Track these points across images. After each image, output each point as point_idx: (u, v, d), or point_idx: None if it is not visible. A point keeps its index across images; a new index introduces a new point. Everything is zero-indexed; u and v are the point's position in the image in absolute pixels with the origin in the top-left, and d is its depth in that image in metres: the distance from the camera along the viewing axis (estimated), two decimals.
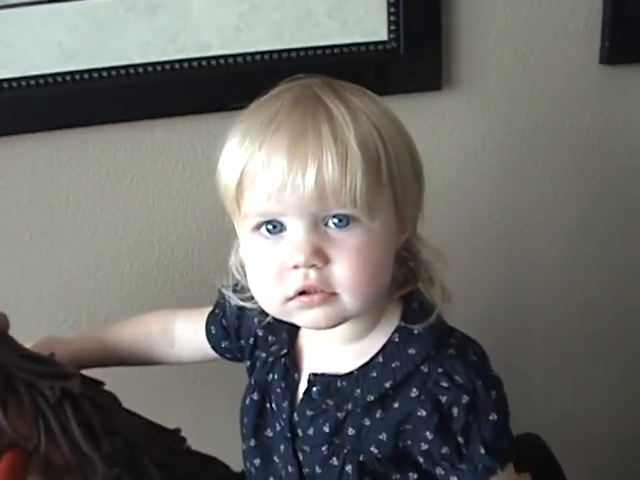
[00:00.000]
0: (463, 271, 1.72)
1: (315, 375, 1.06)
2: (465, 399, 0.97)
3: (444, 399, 0.98)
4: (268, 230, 0.95)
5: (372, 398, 1.01)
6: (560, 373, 1.95)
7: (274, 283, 0.96)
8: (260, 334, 1.15)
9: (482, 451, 0.98)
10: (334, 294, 0.95)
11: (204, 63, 1.53)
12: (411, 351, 1.01)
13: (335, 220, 0.93)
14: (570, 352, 1.95)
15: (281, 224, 0.95)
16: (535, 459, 1.54)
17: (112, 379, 1.18)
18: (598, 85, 1.74)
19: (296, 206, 0.91)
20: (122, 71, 1.51)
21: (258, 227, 0.96)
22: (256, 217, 0.96)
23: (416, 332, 1.01)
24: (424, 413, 0.98)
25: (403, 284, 1.05)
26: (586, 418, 2.01)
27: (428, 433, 0.98)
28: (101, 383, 1.17)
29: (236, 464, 1.22)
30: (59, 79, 1.49)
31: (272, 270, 0.95)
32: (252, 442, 1.13)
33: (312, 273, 0.93)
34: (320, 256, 0.93)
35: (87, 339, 1.29)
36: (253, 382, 1.15)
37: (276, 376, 1.11)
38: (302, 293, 0.95)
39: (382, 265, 0.97)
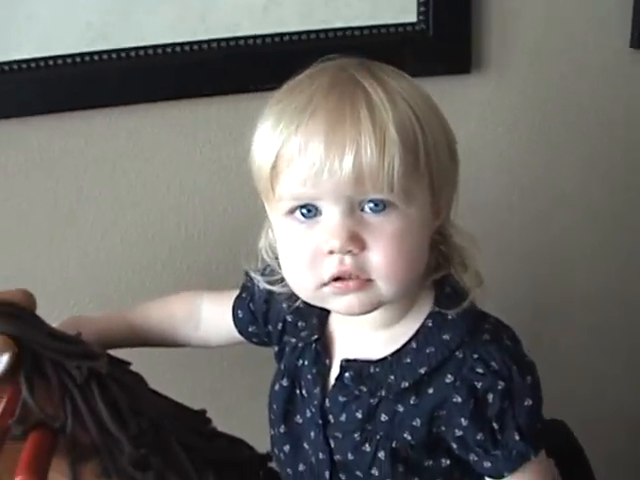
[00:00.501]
0: (492, 257, 1.73)
1: (348, 361, 1.05)
2: (501, 385, 0.96)
3: (479, 385, 0.97)
4: (303, 214, 0.94)
5: (407, 384, 1.00)
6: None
7: (308, 268, 0.94)
8: (289, 319, 1.14)
9: (517, 437, 0.97)
10: (369, 280, 0.93)
11: (232, 43, 1.52)
12: (445, 337, 1.00)
13: (371, 205, 0.92)
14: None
15: (316, 208, 0.93)
16: (560, 445, 1.54)
17: (138, 360, 1.18)
18: (628, 69, 1.72)
19: (332, 190, 0.90)
20: (150, 51, 1.51)
21: (292, 211, 0.95)
22: (291, 201, 0.94)
23: (450, 317, 1.00)
24: (459, 399, 0.98)
25: (436, 269, 1.04)
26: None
27: (463, 419, 0.98)
28: (128, 363, 1.17)
29: (262, 446, 1.22)
30: (87, 59, 1.49)
31: (306, 255, 0.94)
32: (282, 428, 1.12)
33: (348, 259, 0.92)
34: (356, 242, 0.91)
35: (113, 319, 1.29)
36: (282, 368, 1.14)
37: (306, 362, 1.10)
38: (337, 279, 0.93)
39: (418, 251, 0.96)
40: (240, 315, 1.23)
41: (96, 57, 1.49)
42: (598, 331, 1.94)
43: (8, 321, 1.02)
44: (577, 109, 1.72)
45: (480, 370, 0.97)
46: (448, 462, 1.03)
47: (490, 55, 1.65)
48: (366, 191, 0.90)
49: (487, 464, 0.99)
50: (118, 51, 1.49)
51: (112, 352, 1.16)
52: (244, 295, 1.22)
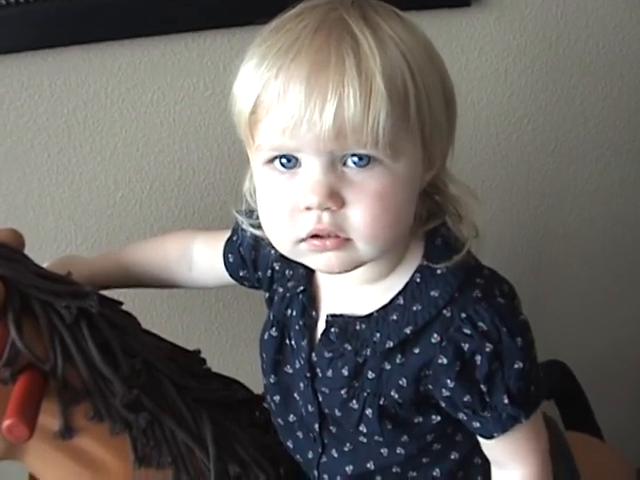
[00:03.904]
0: (490, 195, 1.71)
1: (333, 316, 1.01)
2: (489, 347, 0.92)
3: (466, 347, 0.93)
4: (282, 164, 0.89)
5: (391, 344, 0.96)
6: (584, 303, 1.93)
7: (286, 222, 0.90)
8: (277, 268, 1.11)
9: (506, 401, 0.94)
10: (348, 240, 0.89)
11: None
12: (434, 293, 0.95)
13: (355, 159, 0.86)
14: (594, 285, 1.92)
15: (296, 159, 0.88)
16: (559, 386, 1.54)
17: (132, 300, 1.17)
18: (632, 4, 1.68)
19: (312, 143, 0.84)
20: None
21: (271, 160, 0.90)
22: (270, 151, 0.89)
23: (439, 272, 0.96)
24: (445, 361, 0.94)
25: (428, 219, 0.99)
26: (610, 348, 1.99)
27: (449, 381, 0.94)
28: (119, 303, 1.15)
29: (258, 387, 1.21)
30: None
31: (284, 209, 0.89)
32: (272, 378, 1.10)
33: (325, 216, 0.87)
34: (335, 199, 0.86)
35: (104, 259, 1.27)
36: (272, 317, 1.10)
37: (294, 312, 1.06)
38: (314, 236, 0.89)
39: (403, 210, 0.91)
40: (231, 259, 1.20)
41: None
42: (621, 272, 1.93)
43: None
44: (580, 44, 1.68)
45: (467, 331, 0.93)
46: (439, 418, 1.01)
47: None
48: (349, 145, 0.85)
49: (476, 424, 0.97)
50: None
51: (104, 292, 1.14)
52: (234, 238, 1.19)
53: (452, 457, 1.05)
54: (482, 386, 0.94)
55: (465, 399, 0.95)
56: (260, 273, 1.15)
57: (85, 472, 1.07)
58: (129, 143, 1.59)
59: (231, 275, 1.21)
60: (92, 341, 1.03)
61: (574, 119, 1.74)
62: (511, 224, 1.78)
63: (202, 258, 1.25)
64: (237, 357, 1.64)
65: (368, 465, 1.04)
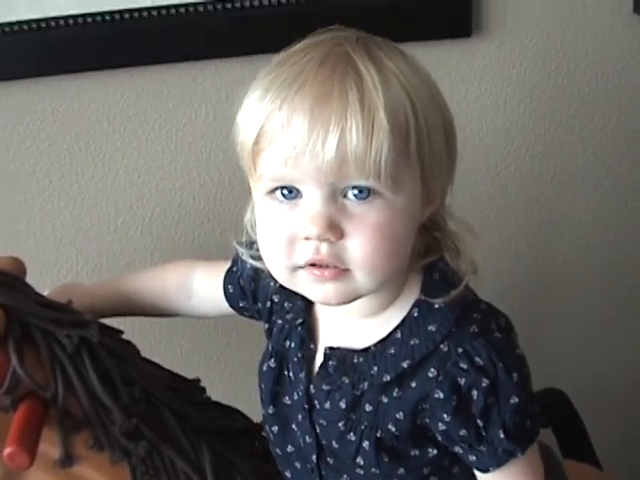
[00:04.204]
0: (489, 225, 1.71)
1: (331, 349, 1.02)
2: (485, 382, 0.92)
3: (463, 382, 0.93)
4: (283, 195, 0.89)
5: (388, 378, 0.96)
6: (581, 329, 1.93)
7: (284, 250, 0.90)
8: (276, 300, 1.11)
9: (502, 435, 0.94)
10: (347, 270, 0.89)
11: (229, 6, 1.49)
12: (431, 328, 0.95)
13: (355, 191, 0.87)
14: (592, 312, 1.92)
15: (297, 190, 0.88)
16: (557, 414, 1.53)
17: (131, 329, 1.17)
18: (631, 35, 1.68)
19: (314, 174, 0.85)
20: (144, 13, 1.48)
21: (273, 191, 0.90)
22: (272, 181, 0.90)
23: (437, 307, 0.96)
24: (441, 395, 0.94)
25: (426, 254, 0.99)
26: (607, 374, 1.99)
27: (445, 415, 0.94)
28: (119, 332, 1.15)
29: (257, 416, 1.20)
30: (80, 21, 1.46)
31: (283, 237, 0.90)
32: (270, 409, 1.10)
33: (324, 247, 0.87)
34: (335, 230, 0.87)
35: (105, 287, 1.27)
36: (270, 349, 1.10)
37: (293, 344, 1.07)
38: (313, 265, 0.89)
39: (401, 243, 0.91)
40: (231, 290, 1.20)
41: (89, 19, 1.46)
42: (618, 296, 1.93)
43: None
44: (580, 75, 1.69)
45: (464, 366, 0.93)
46: (435, 452, 1.00)
47: (491, 18, 1.61)
48: (350, 177, 0.85)
49: (472, 458, 0.97)
50: (111, 13, 1.47)
51: (104, 321, 1.14)
52: (235, 269, 1.19)
53: None
54: (478, 421, 0.94)
55: (461, 433, 0.95)
56: (260, 304, 1.15)
57: None
58: (130, 170, 1.60)
59: (231, 306, 1.22)
60: (93, 370, 1.03)
61: (572, 148, 1.74)
62: (509, 252, 1.79)
63: (202, 288, 1.25)
64: (236, 385, 1.63)
65: None
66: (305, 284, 0.92)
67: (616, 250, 1.87)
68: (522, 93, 1.68)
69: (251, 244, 1.06)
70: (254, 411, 1.20)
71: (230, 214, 1.61)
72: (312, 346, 1.05)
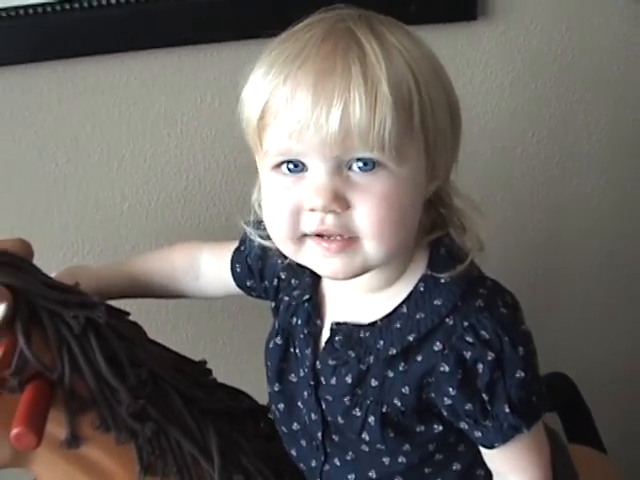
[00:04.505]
0: (494, 208, 1.71)
1: (338, 324, 1.02)
2: (491, 356, 0.93)
3: (468, 355, 0.93)
4: (289, 169, 0.90)
5: (394, 351, 0.97)
6: (580, 317, 1.93)
7: (288, 220, 0.91)
8: (283, 277, 1.12)
9: (507, 410, 0.94)
10: (354, 240, 0.90)
11: None
12: (437, 302, 0.96)
13: (360, 164, 0.87)
14: (600, 292, 1.92)
15: (302, 164, 0.89)
16: (563, 398, 1.54)
17: (138, 311, 1.17)
18: (634, 20, 1.68)
19: (319, 147, 0.86)
20: None
21: (278, 165, 0.91)
22: (277, 156, 0.90)
23: (443, 281, 0.96)
24: (447, 368, 0.95)
25: (432, 230, 1.00)
26: (615, 358, 1.99)
27: (451, 389, 0.95)
28: (126, 313, 1.16)
29: (263, 398, 1.21)
30: (85, 5, 1.46)
31: (287, 207, 0.90)
32: (276, 386, 1.10)
33: (330, 218, 0.88)
34: (340, 202, 0.87)
35: (112, 269, 1.27)
36: (277, 326, 1.11)
37: (299, 321, 1.07)
38: (319, 237, 0.90)
39: (407, 214, 0.91)
40: (238, 269, 1.21)
41: (94, 3, 1.46)
42: (626, 279, 1.94)
43: (4, 271, 1.02)
44: (584, 59, 1.69)
45: (469, 339, 0.93)
46: (440, 428, 1.01)
47: (497, 3, 1.61)
48: (354, 149, 0.86)
49: (478, 434, 0.98)
50: None
51: (111, 303, 1.14)
52: (242, 248, 1.20)
53: (454, 468, 1.05)
54: (484, 395, 0.94)
55: (466, 407, 0.95)
56: (267, 283, 1.16)
57: None
58: (136, 154, 1.60)
59: (238, 285, 1.22)
60: (99, 351, 1.03)
61: (577, 134, 1.75)
62: (514, 237, 1.79)
63: (209, 268, 1.26)
64: (242, 368, 1.64)
65: (370, 474, 1.05)
66: (312, 257, 0.93)
67: (617, 237, 1.87)
68: (527, 77, 1.68)
69: (258, 223, 1.06)
70: (259, 393, 1.21)
71: (235, 198, 1.62)
72: (318, 322, 1.06)
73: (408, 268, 0.99)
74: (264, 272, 1.16)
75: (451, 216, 1.00)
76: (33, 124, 1.55)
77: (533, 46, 1.65)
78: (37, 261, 1.11)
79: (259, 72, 0.91)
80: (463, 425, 0.98)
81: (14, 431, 0.96)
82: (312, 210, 0.89)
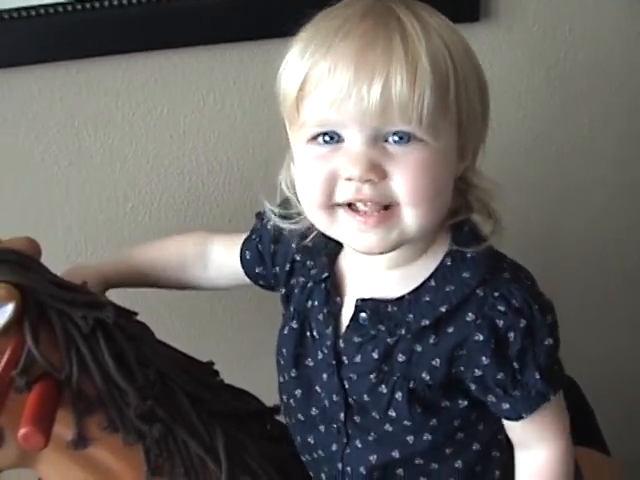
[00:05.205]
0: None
1: (363, 300, 1.02)
2: (523, 323, 0.95)
3: (501, 323, 0.96)
4: (325, 141, 0.92)
5: (427, 322, 0.98)
6: (580, 304, 1.93)
7: (323, 188, 0.92)
8: (298, 259, 1.12)
9: (537, 376, 0.97)
10: (391, 213, 0.91)
11: None
12: (465, 275, 0.98)
13: (396, 137, 0.89)
14: (604, 291, 1.92)
15: (339, 136, 0.91)
16: (566, 401, 1.53)
17: (146, 311, 1.17)
18: (638, 19, 1.67)
19: (358, 117, 0.88)
20: None
21: (315, 137, 0.92)
22: (315, 127, 0.92)
23: (469, 256, 0.98)
24: (481, 337, 0.96)
25: (456, 213, 1.01)
26: (619, 360, 1.99)
27: (484, 358, 0.97)
28: (134, 314, 1.15)
29: (269, 400, 1.21)
30: (87, 6, 1.46)
31: (322, 175, 0.92)
32: (293, 372, 1.10)
33: (366, 188, 0.89)
34: (377, 171, 0.89)
35: (119, 264, 1.27)
36: (292, 310, 1.11)
37: (316, 302, 1.07)
38: (352, 209, 0.92)
39: (442, 187, 0.93)
40: (248, 256, 1.21)
41: (97, 4, 1.46)
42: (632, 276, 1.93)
43: (12, 270, 1.01)
44: (588, 60, 1.68)
45: (502, 308, 0.96)
46: (465, 403, 1.02)
47: (500, 3, 1.61)
48: (393, 122, 0.88)
49: (506, 405, 0.99)
50: None
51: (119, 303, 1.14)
52: (253, 237, 1.20)
53: (474, 448, 1.06)
54: (514, 363, 0.97)
55: (498, 377, 0.97)
56: (277, 268, 1.17)
57: None
58: (139, 155, 1.60)
59: (246, 272, 1.22)
60: (108, 351, 1.03)
61: (581, 133, 1.75)
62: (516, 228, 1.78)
63: (218, 256, 1.26)
64: (248, 369, 1.63)
65: (393, 454, 1.05)
66: (347, 231, 0.95)
67: (625, 231, 1.88)
68: (531, 79, 1.68)
69: (281, 205, 1.08)
70: (265, 395, 1.21)
71: (238, 199, 1.61)
72: (338, 300, 1.06)
73: (433, 245, 1.01)
74: (276, 257, 1.17)
75: (474, 200, 1.02)
76: (35, 127, 1.55)
77: (536, 47, 1.65)
78: (44, 260, 1.11)
79: (298, 47, 0.93)
80: (491, 398, 1.00)
81: (22, 431, 0.96)
82: (349, 179, 0.90)
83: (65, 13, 1.46)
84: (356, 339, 1.03)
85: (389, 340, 1.00)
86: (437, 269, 0.99)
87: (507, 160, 1.71)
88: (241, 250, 1.22)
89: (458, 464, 1.06)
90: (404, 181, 0.89)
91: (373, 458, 1.06)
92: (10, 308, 0.98)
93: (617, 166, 1.80)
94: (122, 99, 1.56)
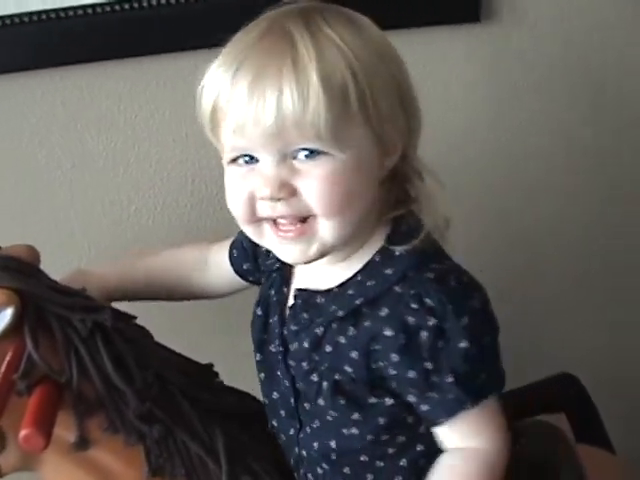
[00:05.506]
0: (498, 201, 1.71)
1: (300, 290, 1.07)
2: (432, 322, 0.95)
3: (411, 320, 0.96)
4: (245, 162, 0.97)
5: (342, 314, 1.00)
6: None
7: (246, 207, 0.98)
8: (264, 250, 1.16)
9: (450, 379, 0.96)
10: (308, 225, 0.96)
11: None
12: (388, 271, 1.00)
13: (306, 152, 0.94)
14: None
15: (253, 158, 0.96)
16: (570, 399, 1.53)
17: (146, 315, 1.18)
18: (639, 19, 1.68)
19: (261, 141, 0.93)
20: (154, 2, 1.49)
21: (235, 160, 0.99)
22: (230, 152, 0.98)
23: (397, 253, 1.00)
24: (390, 333, 0.97)
25: (395, 206, 1.04)
26: (617, 354, 1.98)
27: (394, 355, 0.97)
28: (133, 317, 1.16)
29: None
30: (89, 11, 1.47)
31: (244, 195, 0.97)
32: (258, 356, 1.14)
33: (280, 206, 0.95)
34: (286, 189, 0.94)
35: (118, 270, 1.28)
36: (259, 297, 1.16)
37: (273, 291, 1.13)
38: (275, 223, 0.97)
39: (356, 194, 0.97)
40: (235, 254, 1.26)
41: (99, 9, 1.48)
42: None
43: (11, 275, 1.03)
44: (590, 61, 1.69)
45: (414, 306, 0.96)
46: (392, 402, 1.02)
47: (501, 4, 1.61)
48: (294, 141, 0.93)
49: (425, 407, 0.99)
50: (120, 2, 1.48)
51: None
52: (240, 237, 1.24)
53: (418, 449, 1.06)
54: (427, 363, 0.96)
55: (410, 375, 0.97)
56: (260, 260, 1.21)
57: None
58: (142, 159, 1.61)
59: (236, 271, 1.27)
60: (107, 354, 1.05)
61: (581, 132, 1.75)
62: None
63: (214, 261, 1.30)
64: (248, 370, 1.64)
65: (331, 444, 1.06)
66: (272, 243, 1.01)
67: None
68: (531, 79, 1.68)
69: None
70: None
71: None
72: (285, 290, 1.11)
73: (368, 241, 1.03)
74: (257, 251, 1.21)
75: (416, 193, 1.04)
76: (38, 130, 1.56)
77: (537, 47, 1.65)
78: (44, 266, 1.12)
79: (209, 73, 0.99)
80: (411, 398, 0.99)
81: (22, 433, 0.97)
82: (262, 199, 0.96)
83: (67, 18, 1.48)
84: (293, 327, 1.07)
85: (317, 330, 1.03)
86: (366, 264, 1.02)
87: (508, 159, 1.72)
88: (230, 250, 1.27)
89: (403, 462, 1.06)
90: (312, 195, 0.94)
91: (316, 445, 1.08)
92: (9, 313, 0.99)
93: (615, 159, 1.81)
94: (124, 103, 1.58)
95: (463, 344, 0.95)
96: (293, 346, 1.06)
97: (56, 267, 1.13)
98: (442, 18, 1.58)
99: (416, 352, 0.96)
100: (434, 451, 1.05)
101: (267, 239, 1.00)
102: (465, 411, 0.97)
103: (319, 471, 1.10)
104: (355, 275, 1.02)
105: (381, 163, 1.00)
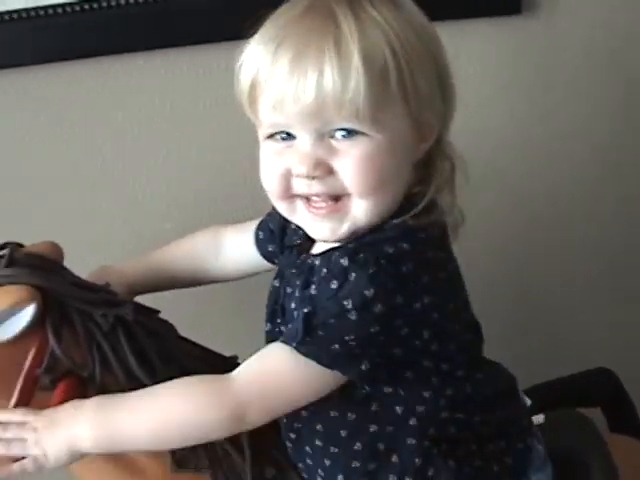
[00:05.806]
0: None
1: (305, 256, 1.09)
2: (323, 273, 0.97)
3: (324, 272, 0.97)
4: (282, 138, 0.99)
5: (324, 272, 0.98)
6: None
7: (280, 182, 0.99)
8: (293, 227, 1.15)
9: (300, 315, 0.97)
10: (342, 204, 0.98)
11: None
12: (360, 239, 0.99)
13: (343, 132, 0.95)
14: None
15: (290, 135, 0.98)
16: (606, 394, 1.52)
17: (170, 307, 1.20)
18: None
19: (299, 118, 0.95)
20: None
21: (272, 135, 1.00)
22: (268, 128, 1.00)
23: (385, 227, 1.00)
24: (298, 282, 1.01)
25: (415, 186, 1.03)
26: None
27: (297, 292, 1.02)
28: (156, 311, 1.18)
29: None
30: (95, 6, 1.50)
31: (279, 171, 0.99)
32: (267, 326, 1.13)
33: (315, 184, 0.96)
34: (322, 168, 0.95)
35: (138, 264, 1.30)
36: (278, 269, 1.17)
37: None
38: (308, 201, 0.99)
39: (390, 175, 0.98)
40: (261, 236, 1.26)
41: (107, 4, 1.50)
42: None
43: (33, 272, 1.05)
44: (630, 51, 1.66)
45: (342, 261, 0.95)
46: None
47: None
48: (332, 120, 0.94)
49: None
50: None
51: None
52: (267, 218, 1.25)
53: (371, 430, 1.05)
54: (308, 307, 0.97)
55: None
56: (286, 239, 1.20)
57: (123, 475, 1.11)
58: (182, 149, 1.64)
59: (260, 252, 1.26)
60: (129, 348, 1.07)
61: (620, 128, 1.73)
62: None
63: (231, 242, 1.30)
64: None
65: (296, 424, 1.09)
66: (304, 220, 1.02)
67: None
68: (572, 71, 1.67)
69: None
70: None
71: (250, 196, 1.59)
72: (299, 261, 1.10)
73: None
74: (285, 229, 1.20)
75: (438, 177, 1.04)
76: (78, 121, 1.59)
77: (578, 39, 1.64)
78: (91, 257, 1.19)
79: (247, 51, 0.99)
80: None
81: None
82: (298, 176, 0.97)
83: (74, 13, 1.50)
84: (289, 290, 1.07)
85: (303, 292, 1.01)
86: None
87: (543, 153, 1.70)
88: (255, 232, 1.27)
89: (357, 446, 1.05)
90: (348, 175, 0.96)
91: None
92: (31, 309, 1.01)
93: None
94: (164, 93, 1.60)
95: (333, 284, 0.95)
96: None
97: (97, 257, 1.16)
98: (483, 10, 1.58)
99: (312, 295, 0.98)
100: (395, 437, 1.04)
101: (299, 216, 1.02)
102: (283, 351, 0.98)
103: (288, 444, 1.13)
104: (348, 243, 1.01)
105: (417, 146, 1.01)
